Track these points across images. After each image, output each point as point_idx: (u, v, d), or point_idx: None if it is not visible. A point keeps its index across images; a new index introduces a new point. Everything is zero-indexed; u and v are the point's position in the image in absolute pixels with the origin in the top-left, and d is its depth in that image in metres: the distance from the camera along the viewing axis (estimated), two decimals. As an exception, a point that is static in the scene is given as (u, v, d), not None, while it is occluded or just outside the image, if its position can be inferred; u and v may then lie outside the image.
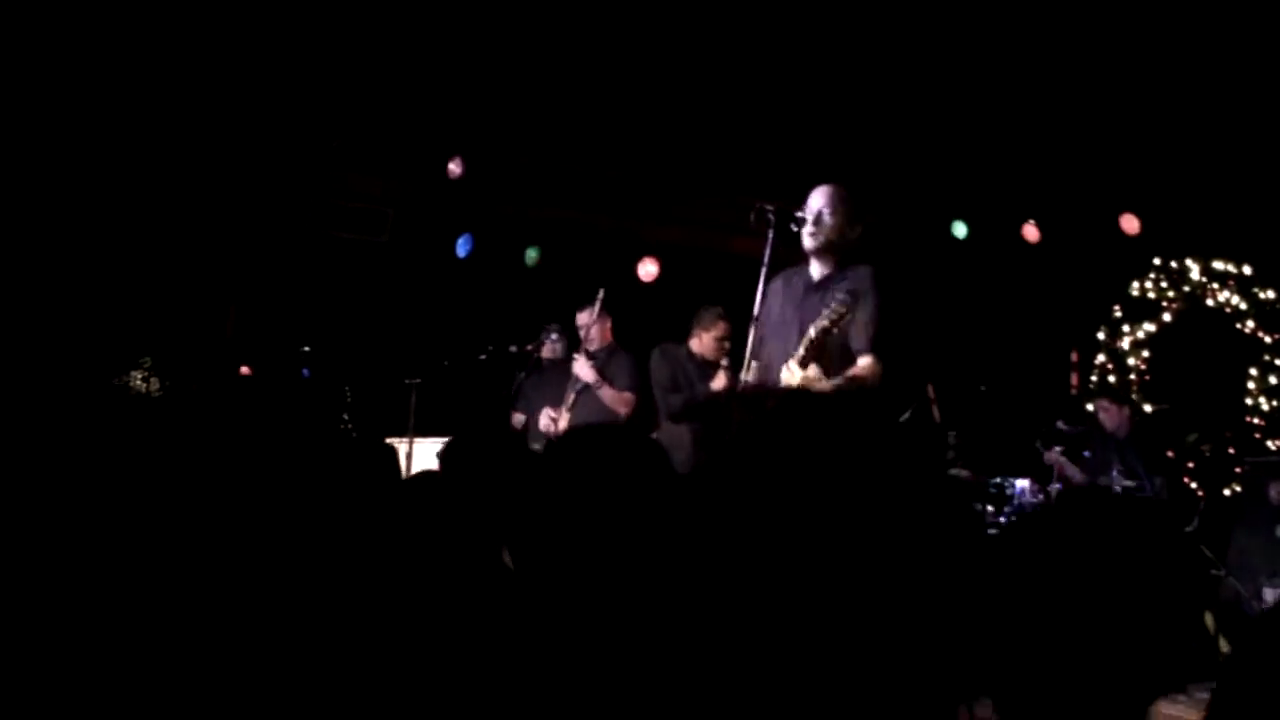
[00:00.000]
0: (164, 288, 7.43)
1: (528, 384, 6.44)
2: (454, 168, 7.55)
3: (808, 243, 4.17)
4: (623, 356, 6.32)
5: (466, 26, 6.67)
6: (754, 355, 4.22)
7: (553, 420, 6.07)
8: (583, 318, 6.34)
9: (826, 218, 4.14)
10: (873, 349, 3.98)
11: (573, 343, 6.44)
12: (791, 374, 3.97)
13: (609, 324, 6.41)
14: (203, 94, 7.03)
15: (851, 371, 3.96)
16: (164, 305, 7.47)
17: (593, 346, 6.28)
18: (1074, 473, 6.78)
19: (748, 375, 4.16)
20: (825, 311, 3.81)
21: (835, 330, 3.83)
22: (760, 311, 4.20)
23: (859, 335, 3.99)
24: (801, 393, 3.81)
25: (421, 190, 8.00)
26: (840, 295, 3.82)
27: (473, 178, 7.67)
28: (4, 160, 6.45)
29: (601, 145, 8.00)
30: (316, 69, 7.02)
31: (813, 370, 3.90)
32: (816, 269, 4.23)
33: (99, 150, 6.96)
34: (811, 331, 3.85)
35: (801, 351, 3.92)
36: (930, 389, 6.49)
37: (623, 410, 6.11)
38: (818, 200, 4.19)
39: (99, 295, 7.07)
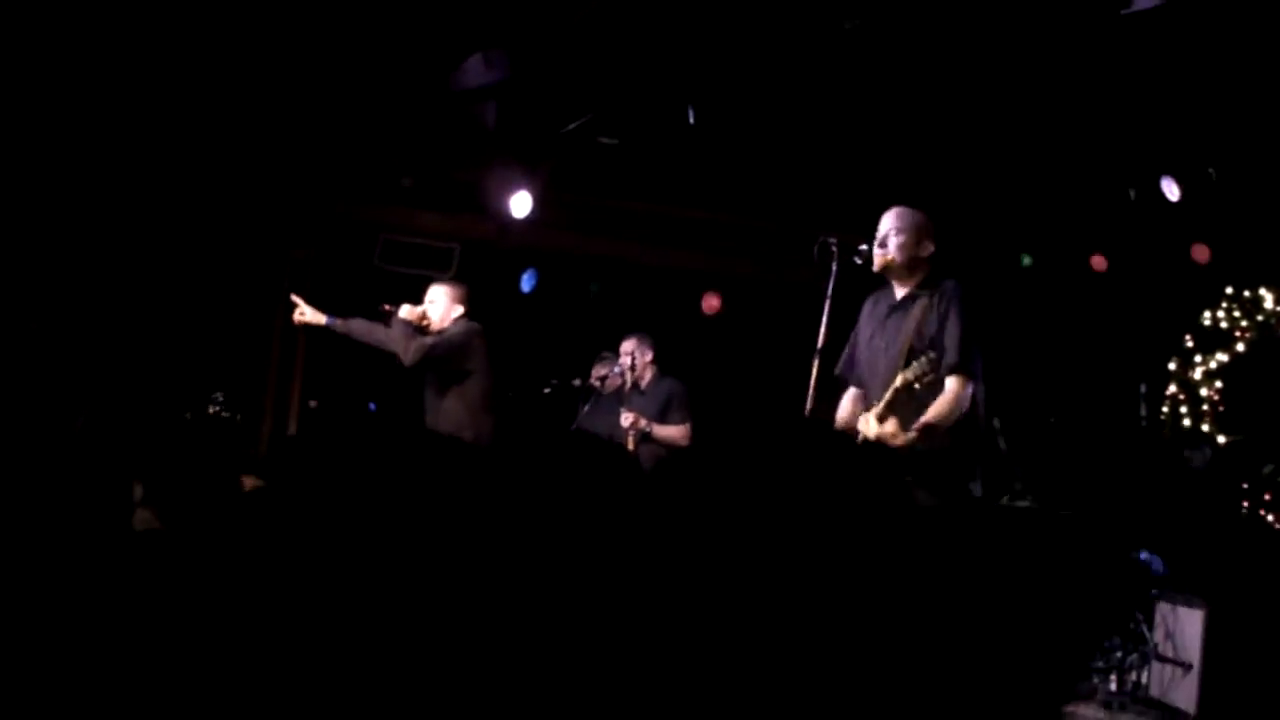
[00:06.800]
0: (234, 323, 7.61)
1: (586, 416, 6.48)
2: (520, 203, 7.66)
3: (875, 263, 4.20)
4: (672, 387, 6.35)
5: (529, 67, 6.76)
6: (845, 379, 4.35)
7: None
8: (627, 345, 6.38)
9: (892, 237, 4.18)
10: (960, 368, 3.97)
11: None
12: (868, 426, 4.00)
13: (652, 354, 6.43)
14: (271, 137, 7.20)
15: (928, 416, 3.92)
16: (234, 341, 7.64)
17: (642, 383, 6.33)
18: None
19: (811, 405, 4.19)
20: (914, 365, 3.86)
21: (918, 386, 3.86)
22: (830, 337, 4.31)
23: (947, 354, 3.98)
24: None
25: (487, 226, 8.11)
26: (930, 354, 3.86)
27: (537, 213, 7.77)
28: (71, 212, 6.67)
29: (665, 179, 8.06)
30: (387, 109, 7.15)
31: (890, 425, 3.92)
32: (898, 289, 4.25)
33: (164, 197, 7.18)
34: (897, 381, 3.90)
35: (881, 406, 3.97)
36: (996, 421, 6.42)
37: (683, 444, 6.12)
38: (886, 222, 4.23)
39: (169, 334, 7.27)
